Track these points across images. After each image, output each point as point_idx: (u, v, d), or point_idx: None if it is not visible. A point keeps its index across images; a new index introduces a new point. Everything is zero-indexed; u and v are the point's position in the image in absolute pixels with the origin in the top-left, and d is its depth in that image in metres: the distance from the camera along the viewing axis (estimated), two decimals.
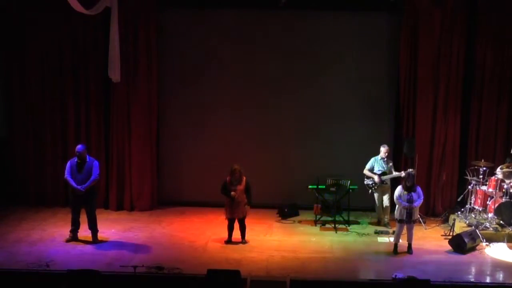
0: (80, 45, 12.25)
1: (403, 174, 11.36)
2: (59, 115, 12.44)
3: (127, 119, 12.42)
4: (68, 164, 10.35)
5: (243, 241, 10.56)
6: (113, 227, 11.29)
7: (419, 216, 10.95)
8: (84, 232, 10.50)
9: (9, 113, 12.61)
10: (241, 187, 10.37)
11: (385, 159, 11.48)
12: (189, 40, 12.61)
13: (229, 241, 10.57)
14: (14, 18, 12.18)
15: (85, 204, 10.31)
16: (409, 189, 10.19)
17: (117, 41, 11.23)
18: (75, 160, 10.29)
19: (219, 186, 10.52)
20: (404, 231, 10.33)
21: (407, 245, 10.31)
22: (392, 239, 10.61)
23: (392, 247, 10.32)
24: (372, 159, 11.53)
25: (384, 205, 11.64)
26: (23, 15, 12.15)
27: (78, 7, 10.27)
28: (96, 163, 10.39)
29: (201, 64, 12.66)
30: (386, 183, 11.53)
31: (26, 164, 12.56)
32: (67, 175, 10.25)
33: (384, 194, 11.60)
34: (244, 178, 10.42)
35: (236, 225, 10.57)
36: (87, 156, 10.37)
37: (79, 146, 10.35)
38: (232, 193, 10.31)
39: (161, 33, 12.44)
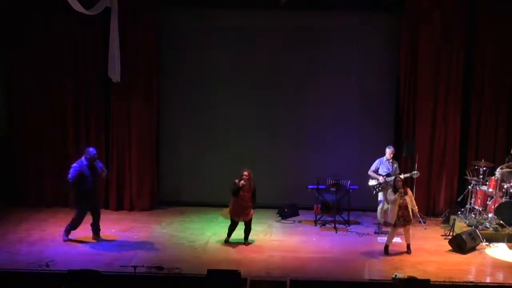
0: (80, 45, 12.25)
1: (402, 176, 11.33)
2: (59, 115, 12.44)
3: (127, 119, 12.42)
4: (78, 168, 10.18)
5: (246, 242, 10.52)
6: (113, 227, 11.29)
7: (417, 216, 10.97)
8: (84, 232, 10.51)
9: (9, 112, 12.61)
10: (249, 193, 10.38)
11: (391, 160, 11.41)
12: (189, 40, 12.61)
13: (228, 240, 10.55)
14: (14, 18, 12.17)
15: (93, 205, 10.37)
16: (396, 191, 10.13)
17: (117, 41, 11.24)
18: (86, 163, 10.22)
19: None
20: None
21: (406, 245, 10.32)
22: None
23: (396, 247, 10.31)
24: (377, 161, 11.46)
25: (386, 206, 11.58)
26: (23, 15, 12.14)
27: (78, 7, 10.27)
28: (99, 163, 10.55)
29: (201, 64, 12.66)
30: (391, 185, 11.42)
31: (26, 164, 12.55)
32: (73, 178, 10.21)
33: None
34: (253, 183, 10.42)
35: (238, 226, 10.55)
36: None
37: (93, 149, 10.39)
38: (239, 181, 10.23)
39: (161, 33, 12.44)
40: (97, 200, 10.61)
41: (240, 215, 10.44)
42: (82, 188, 10.16)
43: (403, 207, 10.04)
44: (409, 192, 10.26)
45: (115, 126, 12.43)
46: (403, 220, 10.05)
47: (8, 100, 12.56)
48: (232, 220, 10.52)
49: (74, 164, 10.26)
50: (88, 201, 10.26)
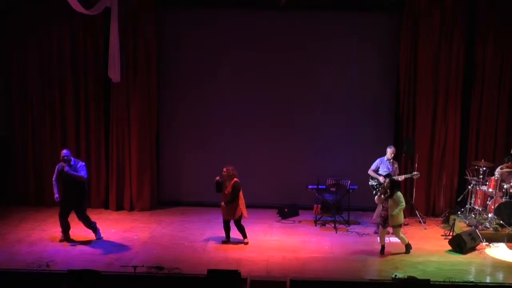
0: (80, 45, 12.25)
1: (403, 177, 11.36)
2: (59, 115, 12.44)
3: (127, 119, 12.42)
4: (56, 169, 10.20)
5: (244, 241, 10.52)
6: (113, 227, 11.30)
7: (417, 215, 10.96)
8: (84, 232, 10.52)
9: (9, 113, 12.61)
10: (228, 189, 10.36)
11: (391, 160, 11.43)
12: (189, 40, 12.61)
13: (226, 241, 10.56)
14: (15, 18, 12.18)
15: (73, 206, 10.24)
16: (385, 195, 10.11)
17: (117, 41, 11.25)
18: (61, 165, 10.09)
19: None
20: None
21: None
22: (392, 239, 10.61)
23: (396, 247, 10.31)
24: (378, 160, 11.48)
25: None
26: (23, 15, 12.15)
27: (78, 7, 10.29)
28: (82, 164, 10.29)
29: (201, 64, 12.66)
30: None
31: (26, 164, 12.55)
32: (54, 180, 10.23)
33: None
34: (234, 180, 10.38)
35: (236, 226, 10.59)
36: (72, 159, 10.21)
37: (65, 151, 10.23)
38: (217, 177, 10.32)
39: (161, 33, 12.45)
40: (76, 201, 10.17)
41: (223, 212, 10.46)
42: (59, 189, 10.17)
43: (385, 209, 10.10)
44: (397, 197, 10.05)
45: (115, 126, 12.43)
46: (384, 220, 10.10)
47: (8, 100, 12.56)
48: (223, 218, 10.57)
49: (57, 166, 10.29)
50: (62, 202, 10.18)
